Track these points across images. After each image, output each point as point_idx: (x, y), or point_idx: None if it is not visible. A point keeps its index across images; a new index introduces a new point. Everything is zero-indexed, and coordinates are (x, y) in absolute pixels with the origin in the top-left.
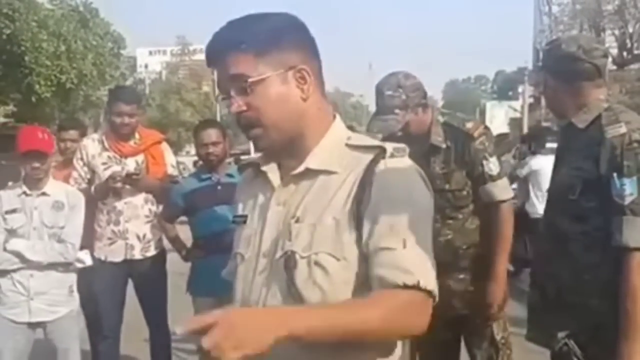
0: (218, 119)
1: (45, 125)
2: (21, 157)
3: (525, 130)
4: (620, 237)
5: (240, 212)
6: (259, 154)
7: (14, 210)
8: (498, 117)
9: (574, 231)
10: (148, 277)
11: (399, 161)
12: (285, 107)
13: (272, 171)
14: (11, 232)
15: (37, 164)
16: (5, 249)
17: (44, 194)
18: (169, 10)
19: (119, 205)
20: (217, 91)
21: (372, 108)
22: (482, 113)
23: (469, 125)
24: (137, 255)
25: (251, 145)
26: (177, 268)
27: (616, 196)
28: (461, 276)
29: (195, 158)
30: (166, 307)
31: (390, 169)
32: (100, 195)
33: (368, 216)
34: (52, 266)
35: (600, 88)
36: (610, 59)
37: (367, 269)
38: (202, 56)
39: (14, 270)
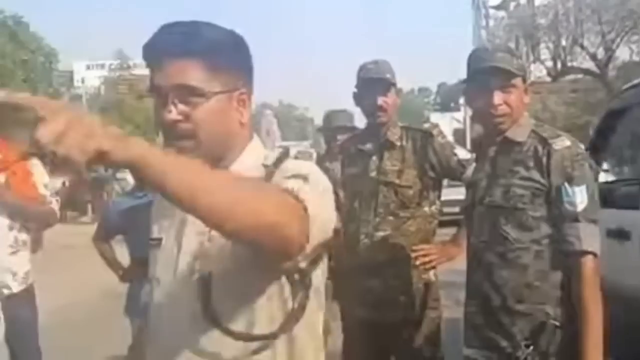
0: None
1: None
2: None
3: (468, 139)
4: (579, 242)
5: (156, 233)
6: None
7: None
8: (442, 128)
9: (523, 240)
10: (15, 317)
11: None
12: (223, 127)
13: None
14: None
15: None
16: None
17: None
18: (107, 23)
19: None
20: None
21: (318, 121)
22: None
23: (426, 126)
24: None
25: None
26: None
27: (568, 204)
28: (394, 280)
29: None
30: (38, 350)
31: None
32: None
33: None
34: None
35: (527, 103)
36: (545, 72)
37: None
38: (142, 71)
39: None
